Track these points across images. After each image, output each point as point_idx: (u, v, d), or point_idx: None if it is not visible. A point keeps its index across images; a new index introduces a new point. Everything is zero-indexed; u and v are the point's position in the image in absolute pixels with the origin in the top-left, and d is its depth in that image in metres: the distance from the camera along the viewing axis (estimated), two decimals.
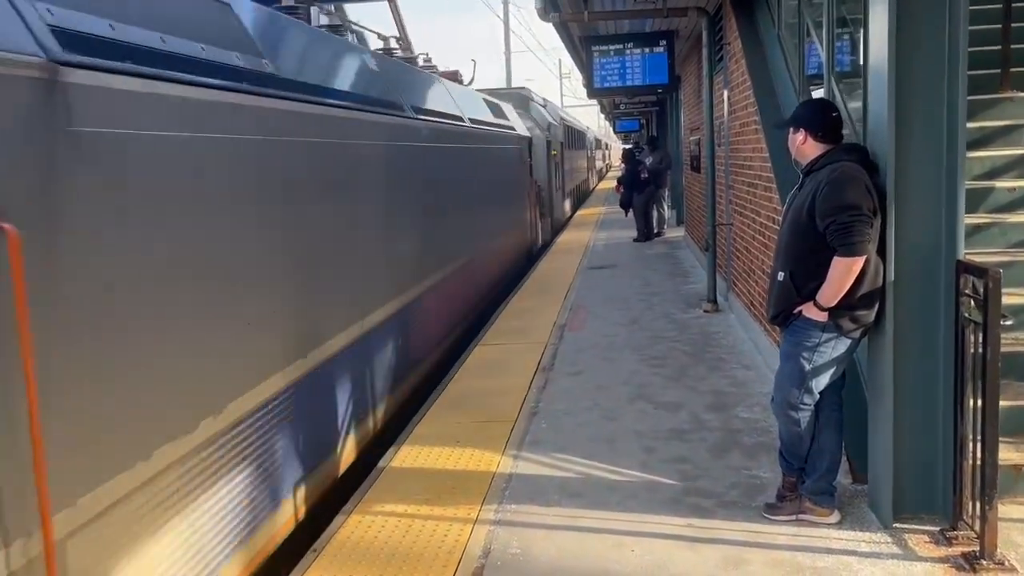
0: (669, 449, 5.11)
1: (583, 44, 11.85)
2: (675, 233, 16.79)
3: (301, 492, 4.50)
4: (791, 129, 3.91)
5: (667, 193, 17.35)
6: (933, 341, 3.80)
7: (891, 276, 3.75)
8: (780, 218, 6.29)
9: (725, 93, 9.08)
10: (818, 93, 6.19)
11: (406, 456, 5.26)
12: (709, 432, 5.37)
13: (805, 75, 6.48)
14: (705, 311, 9.10)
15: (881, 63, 3.69)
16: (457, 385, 6.80)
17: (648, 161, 16.63)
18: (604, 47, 11.69)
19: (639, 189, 16.30)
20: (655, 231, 16.68)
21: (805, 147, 3.85)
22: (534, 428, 5.63)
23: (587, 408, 6.00)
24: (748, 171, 7.74)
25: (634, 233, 16.38)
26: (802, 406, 3.85)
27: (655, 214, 16.70)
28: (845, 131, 4.10)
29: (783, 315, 3.86)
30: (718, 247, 9.49)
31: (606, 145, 63.83)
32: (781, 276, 3.84)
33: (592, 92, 12.30)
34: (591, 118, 64.55)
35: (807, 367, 3.79)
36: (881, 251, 3.71)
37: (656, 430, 5.46)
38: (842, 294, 3.65)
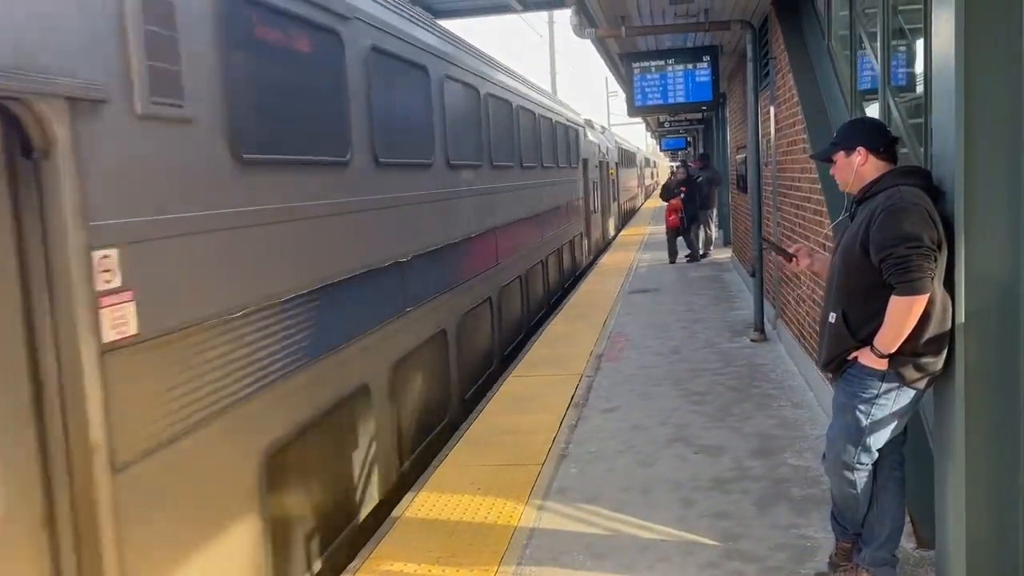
0: (709, 502, 4.64)
1: (622, 61, 11.44)
2: (723, 254, 16.22)
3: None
4: (843, 152, 3.44)
5: (714, 213, 16.81)
6: (1011, 389, 3.30)
7: (960, 316, 3.26)
8: (830, 246, 5.83)
9: (771, 110, 8.60)
10: (872, 109, 5.71)
11: (422, 504, 4.87)
12: (754, 482, 4.89)
13: (857, 90, 6.00)
14: (752, 340, 8.58)
15: (948, 76, 3.22)
16: (484, 421, 6.41)
17: (697, 179, 16.11)
18: (644, 63, 11.27)
19: (686, 209, 15.78)
20: (701, 252, 16.14)
21: (865, 168, 3.37)
22: (562, 474, 5.20)
23: (620, 451, 5.55)
24: (796, 193, 7.24)
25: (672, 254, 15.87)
26: (858, 466, 3.37)
27: (702, 234, 16.16)
28: (903, 150, 3.63)
29: (836, 362, 3.39)
30: (766, 272, 8.97)
31: (653, 163, 63.32)
32: (833, 318, 3.38)
33: (633, 110, 11.86)
34: (637, 135, 63.95)
35: (864, 421, 3.31)
36: (949, 287, 3.23)
37: (695, 479, 4.99)
38: (903, 338, 3.17)
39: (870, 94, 5.88)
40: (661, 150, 46.05)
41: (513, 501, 4.81)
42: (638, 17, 8.51)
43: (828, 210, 5.83)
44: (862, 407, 3.31)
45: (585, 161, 16.74)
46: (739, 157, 12.85)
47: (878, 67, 5.16)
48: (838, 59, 6.60)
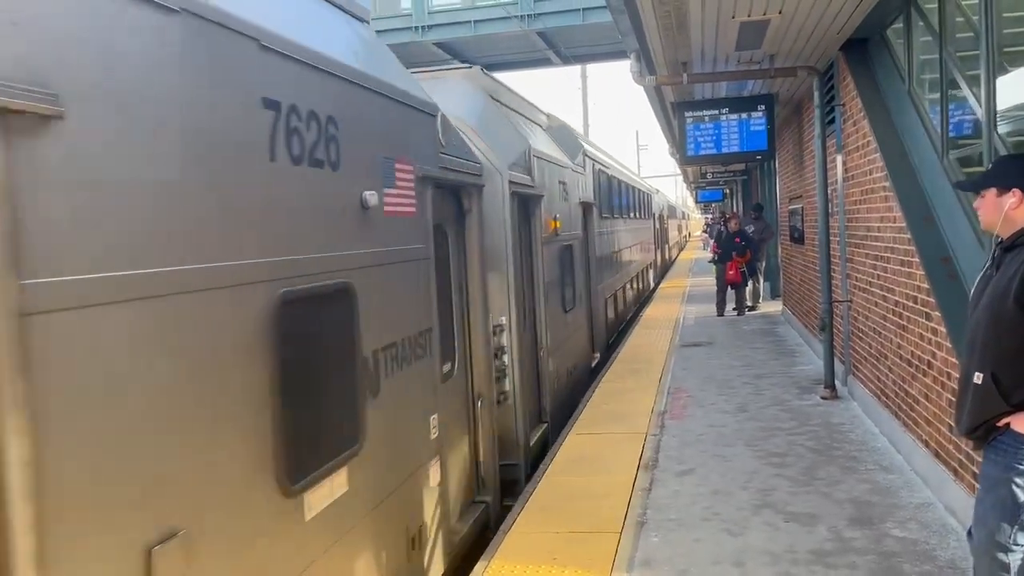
0: None
1: (675, 110, 11.24)
2: (771, 307, 15.79)
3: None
4: (995, 189, 3.11)
5: (762, 265, 16.43)
6: None
7: None
8: (923, 298, 5.47)
9: (838, 158, 8.30)
10: (967, 153, 5.41)
11: (496, 575, 4.51)
12: (858, 555, 4.47)
13: (949, 135, 5.69)
14: (823, 398, 8.15)
15: None
16: (550, 483, 6.04)
17: (750, 230, 15.76)
18: (698, 112, 11.05)
19: (723, 260, 15.41)
20: (749, 305, 15.73)
21: (1018, 212, 3.04)
22: (644, 544, 4.82)
23: (704, 519, 5.15)
24: (875, 242, 6.89)
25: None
26: (1015, 547, 2.98)
27: (749, 287, 15.76)
28: None
29: (984, 428, 3.03)
30: (834, 327, 8.57)
31: (686, 216, 63.32)
32: (979, 379, 3.02)
33: (685, 160, 11.64)
34: (665, 187, 63.85)
35: (1022, 497, 2.93)
36: None
37: (792, 551, 4.58)
38: None
39: (964, 139, 5.58)
40: (696, 202, 45.93)
41: (595, 573, 4.43)
42: (700, 63, 8.31)
43: (922, 260, 5.48)
44: (1018, 480, 2.93)
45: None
46: (793, 207, 12.53)
47: (980, 109, 4.86)
48: (921, 103, 6.31)
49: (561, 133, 11.24)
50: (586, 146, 12.53)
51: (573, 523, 5.22)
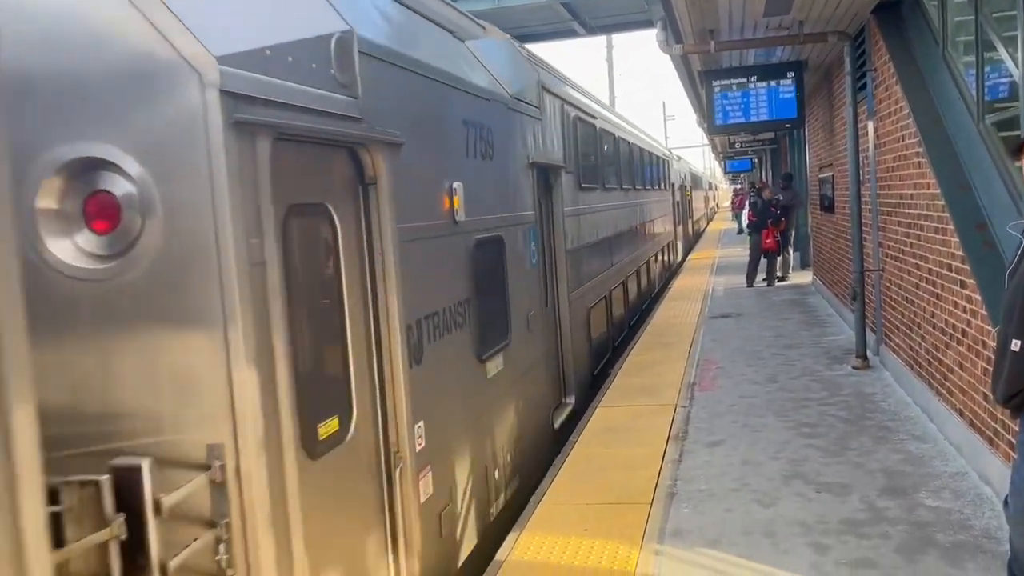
0: (845, 548, 4.22)
1: (703, 79, 11.10)
2: (801, 278, 15.64)
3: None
4: None
5: (792, 235, 16.26)
6: None
7: None
8: (956, 265, 5.37)
9: (870, 125, 8.16)
10: (1003, 116, 5.28)
11: (527, 547, 4.54)
12: (891, 525, 4.45)
13: (984, 99, 5.57)
14: (854, 368, 8.08)
15: None
16: (580, 454, 6.06)
17: (779, 199, 15.58)
18: (726, 81, 10.90)
19: (759, 229, 15.26)
20: (779, 275, 15.58)
21: None
22: (675, 514, 4.83)
23: (734, 489, 5.15)
24: (907, 210, 6.78)
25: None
26: None
27: (779, 257, 15.60)
28: None
29: (1021, 396, 2.98)
30: (866, 296, 8.48)
31: (715, 187, 62.53)
32: (1017, 346, 2.97)
33: (713, 129, 11.51)
34: (695, 158, 63.25)
35: None
36: None
37: (823, 521, 4.57)
38: None
39: (1000, 102, 5.45)
40: (724, 172, 45.43)
41: (626, 545, 4.45)
42: (728, 31, 8.17)
43: (956, 227, 5.38)
44: None
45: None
46: (823, 176, 12.36)
47: (1017, 71, 4.75)
48: (956, 67, 6.17)
49: (500, 52, 6.46)
50: (548, 77, 7.79)
51: (604, 494, 5.24)
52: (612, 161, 11.52)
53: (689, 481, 5.34)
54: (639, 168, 14.20)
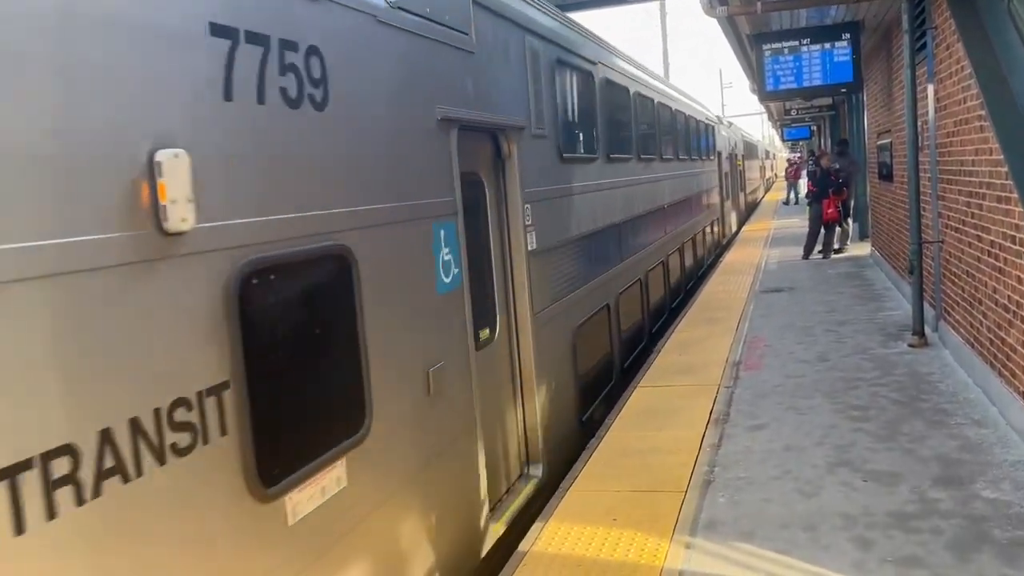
0: (891, 544, 3.93)
1: (752, 43, 10.64)
2: (859, 250, 15.04)
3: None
4: None
5: (851, 205, 15.65)
6: None
7: None
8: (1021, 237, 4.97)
9: (929, 88, 7.65)
10: None
11: (552, 537, 4.34)
12: (943, 519, 4.13)
13: None
14: (911, 346, 7.66)
15: None
16: (615, 438, 5.83)
17: (836, 167, 14.98)
18: (777, 44, 10.45)
19: (819, 198, 14.69)
20: (836, 247, 15.01)
21: None
22: (709, 504, 4.57)
23: (775, 477, 4.87)
24: (969, 177, 6.33)
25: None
26: None
27: (837, 228, 15.02)
28: None
29: None
30: (924, 269, 8.02)
31: (773, 155, 61.02)
32: None
33: (764, 96, 11.05)
34: (752, 126, 61.72)
35: None
36: None
37: (869, 513, 4.27)
38: None
39: None
40: (783, 140, 44.27)
41: (656, 536, 4.22)
42: None
43: (1021, 196, 4.96)
44: None
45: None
46: (882, 143, 11.78)
47: None
48: (1023, 21, 5.69)
49: None
50: None
51: (636, 481, 5.01)
52: (623, 124, 9.00)
53: (727, 468, 5.07)
54: (671, 134, 11.97)
